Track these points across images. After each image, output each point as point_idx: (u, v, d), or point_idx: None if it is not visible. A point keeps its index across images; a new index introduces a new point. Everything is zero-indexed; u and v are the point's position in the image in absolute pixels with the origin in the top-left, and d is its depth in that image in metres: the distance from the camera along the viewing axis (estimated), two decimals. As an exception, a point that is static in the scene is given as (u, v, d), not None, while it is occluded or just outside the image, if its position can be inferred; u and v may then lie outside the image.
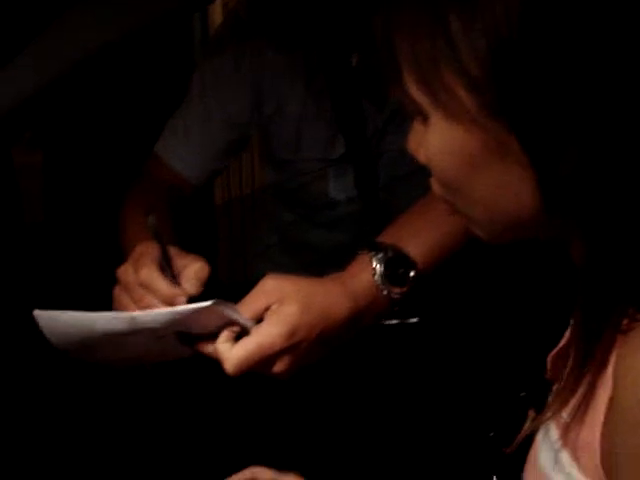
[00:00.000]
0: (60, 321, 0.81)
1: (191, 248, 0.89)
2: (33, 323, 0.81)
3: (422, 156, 0.60)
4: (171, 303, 0.82)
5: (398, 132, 1.19)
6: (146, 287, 0.84)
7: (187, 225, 1.12)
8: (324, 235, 1.32)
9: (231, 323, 0.81)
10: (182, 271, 0.85)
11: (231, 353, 0.81)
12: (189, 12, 1.61)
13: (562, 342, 0.64)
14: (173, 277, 0.84)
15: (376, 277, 0.89)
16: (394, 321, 1.04)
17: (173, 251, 0.86)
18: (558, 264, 0.62)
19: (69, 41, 0.91)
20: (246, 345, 0.81)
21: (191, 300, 0.83)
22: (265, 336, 0.81)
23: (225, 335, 0.82)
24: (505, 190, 0.56)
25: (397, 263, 0.90)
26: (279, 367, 0.82)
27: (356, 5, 1.11)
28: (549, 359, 0.66)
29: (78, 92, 1.56)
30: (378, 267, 0.89)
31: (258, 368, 0.82)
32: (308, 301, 0.83)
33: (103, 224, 1.16)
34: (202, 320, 0.81)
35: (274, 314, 0.82)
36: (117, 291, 0.87)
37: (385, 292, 0.89)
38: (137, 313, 0.81)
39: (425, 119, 0.58)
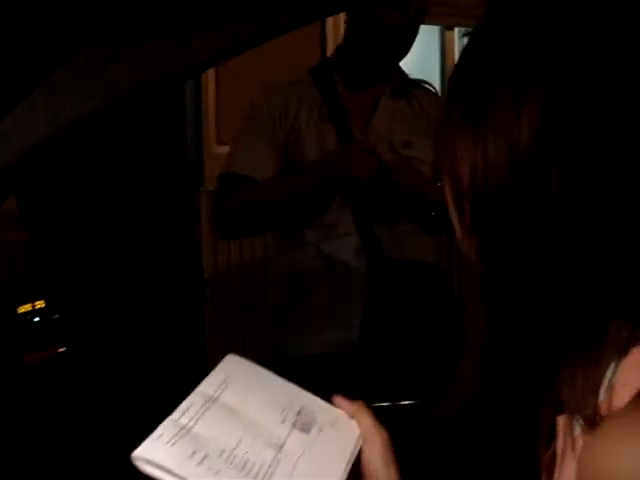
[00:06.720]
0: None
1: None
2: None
3: None
4: None
5: (383, 117, 1.61)
6: None
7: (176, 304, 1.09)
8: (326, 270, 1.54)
9: None
10: None
11: None
12: (186, 78, 1.66)
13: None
14: None
15: None
16: (386, 403, 1.01)
17: None
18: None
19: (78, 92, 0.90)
20: None
21: None
22: None
23: None
24: None
25: None
26: None
27: None
28: (542, 466, 0.63)
29: (63, 164, 1.57)
30: None
31: None
32: None
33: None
34: None
35: None
36: None
37: None
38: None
39: None
